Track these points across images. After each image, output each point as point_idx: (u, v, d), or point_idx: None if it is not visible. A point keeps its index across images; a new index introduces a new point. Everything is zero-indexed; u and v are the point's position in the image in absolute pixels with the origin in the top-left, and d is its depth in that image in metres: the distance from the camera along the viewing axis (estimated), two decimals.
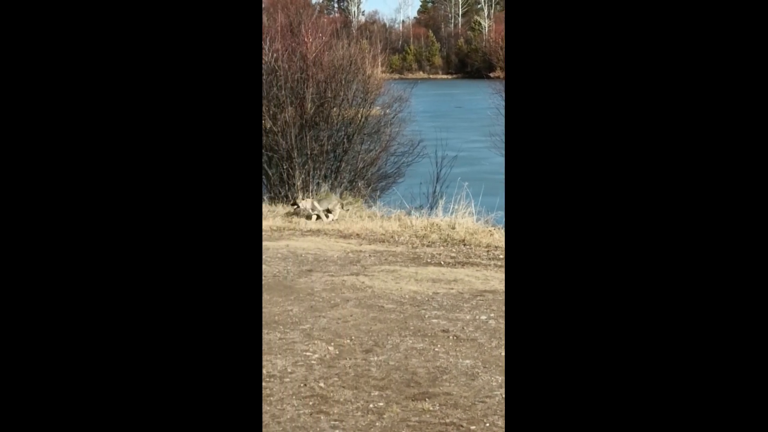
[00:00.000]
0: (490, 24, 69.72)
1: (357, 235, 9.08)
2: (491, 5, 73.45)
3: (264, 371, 4.28)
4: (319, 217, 10.53)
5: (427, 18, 79.68)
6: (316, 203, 10.87)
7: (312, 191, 12.68)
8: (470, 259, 7.60)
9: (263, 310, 5.51)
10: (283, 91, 13.38)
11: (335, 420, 3.67)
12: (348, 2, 77.83)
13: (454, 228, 8.96)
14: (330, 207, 10.87)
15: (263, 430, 3.55)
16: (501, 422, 3.62)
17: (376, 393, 4.00)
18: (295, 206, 11.05)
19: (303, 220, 10.35)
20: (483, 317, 5.41)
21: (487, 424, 3.64)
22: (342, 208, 11.21)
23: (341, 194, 12.46)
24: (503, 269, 6.49)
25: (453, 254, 7.77)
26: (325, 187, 12.73)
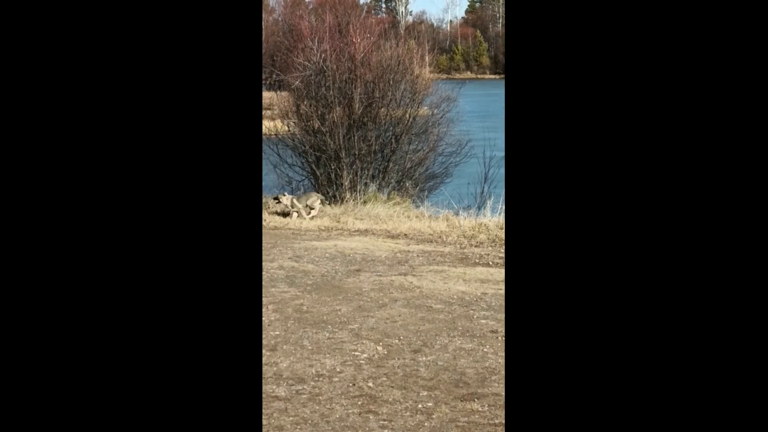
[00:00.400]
0: None
1: (405, 235, 9.08)
2: None
3: (313, 370, 4.30)
4: (299, 214, 10.60)
5: (475, 18, 79.38)
6: (295, 201, 10.86)
7: (359, 191, 12.72)
8: None
9: (312, 309, 5.55)
10: (331, 92, 13.45)
11: (384, 420, 3.68)
12: (396, 2, 77.87)
13: (502, 228, 8.91)
14: (309, 203, 10.87)
15: (314, 429, 3.57)
16: None
17: (425, 393, 3.99)
18: (277, 201, 11.04)
19: (293, 218, 10.45)
20: None
21: None
22: (322, 204, 11.23)
23: (389, 194, 12.48)
24: None
25: (501, 254, 7.72)
26: (372, 187, 12.76)
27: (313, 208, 10.81)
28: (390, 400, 3.91)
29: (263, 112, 18.42)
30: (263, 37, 23.13)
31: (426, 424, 3.63)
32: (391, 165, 13.40)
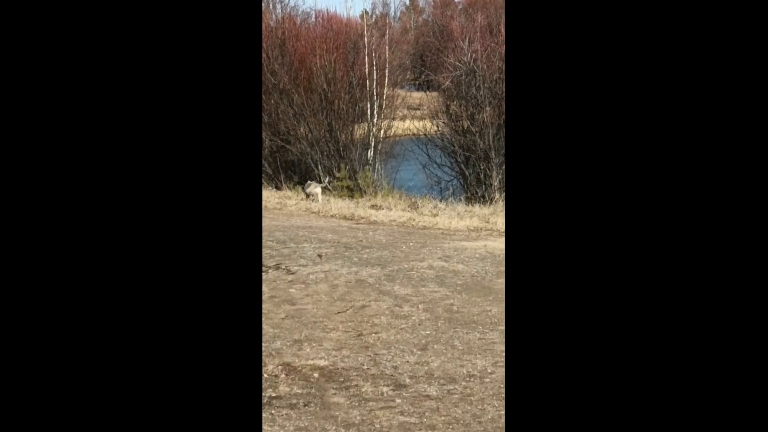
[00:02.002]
0: None
1: None
2: None
3: (464, 371, 4.30)
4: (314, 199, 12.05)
5: None
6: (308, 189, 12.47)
7: None
8: None
9: (462, 309, 5.55)
10: (481, 92, 13.40)
11: None
12: None
13: None
14: (309, 191, 12.28)
15: (466, 429, 3.58)
16: None
17: None
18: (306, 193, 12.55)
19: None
20: None
21: None
22: (322, 193, 12.50)
23: None
24: None
25: None
26: None
27: (311, 195, 12.21)
28: None
29: (412, 112, 18.59)
30: (414, 37, 23.32)
31: None
32: None
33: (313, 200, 11.98)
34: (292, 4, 30.52)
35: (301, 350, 4.56)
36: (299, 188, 13.67)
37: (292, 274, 6.33)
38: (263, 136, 15.53)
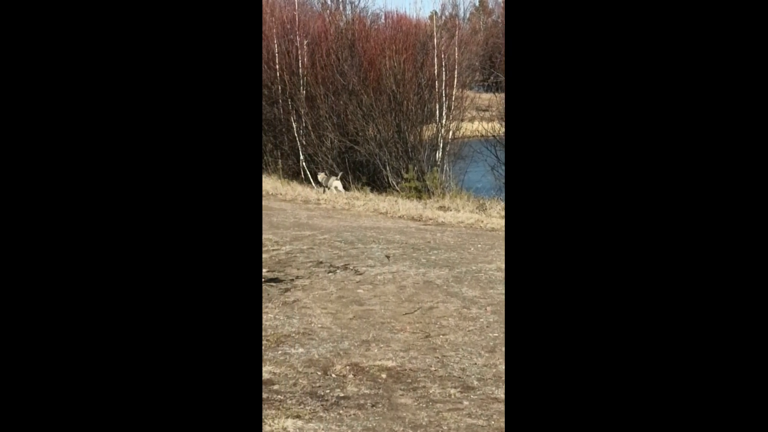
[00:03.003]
0: None
1: None
2: None
3: None
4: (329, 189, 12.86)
5: None
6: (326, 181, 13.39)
7: None
8: None
9: None
10: None
11: None
12: None
13: None
14: (322, 181, 13.24)
15: None
16: None
17: None
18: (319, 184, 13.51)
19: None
20: None
21: None
22: (337, 190, 13.29)
23: None
24: None
25: None
26: None
27: (324, 186, 13.17)
28: None
29: (481, 113, 18.49)
30: (483, 38, 23.19)
31: None
32: None
33: (326, 191, 12.74)
34: (362, 5, 30.68)
35: (368, 351, 4.58)
36: (367, 189, 13.73)
37: (360, 274, 6.36)
38: (332, 137, 15.64)
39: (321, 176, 13.45)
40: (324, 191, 12.77)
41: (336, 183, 13.08)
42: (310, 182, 15.11)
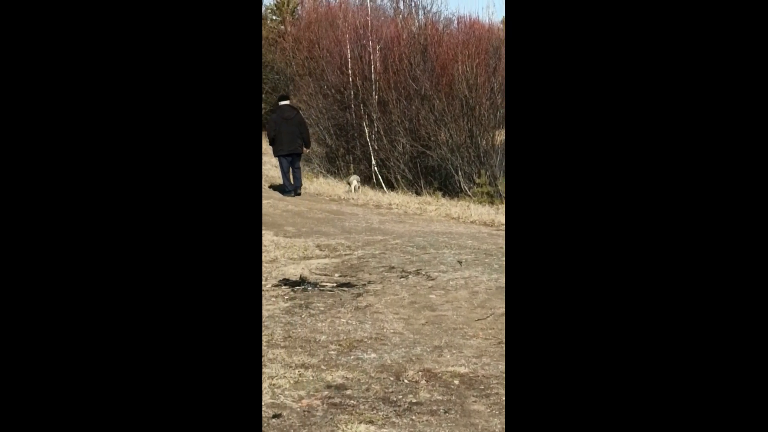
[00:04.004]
0: None
1: None
2: None
3: None
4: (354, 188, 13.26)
5: None
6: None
7: None
8: None
9: None
10: None
11: None
12: None
13: None
14: (349, 181, 13.55)
15: None
16: None
17: None
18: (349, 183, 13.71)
19: None
20: None
21: None
22: (358, 183, 13.65)
23: None
24: None
25: None
26: None
27: (350, 183, 13.49)
28: None
29: None
30: None
31: None
32: None
33: (352, 190, 13.17)
34: (434, 10, 30.69)
35: (441, 356, 4.56)
36: (439, 194, 13.71)
37: (432, 280, 6.35)
38: (404, 142, 15.66)
39: (353, 179, 13.75)
40: (352, 191, 13.20)
41: (353, 180, 13.56)
42: (382, 187, 15.16)
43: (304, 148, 12.35)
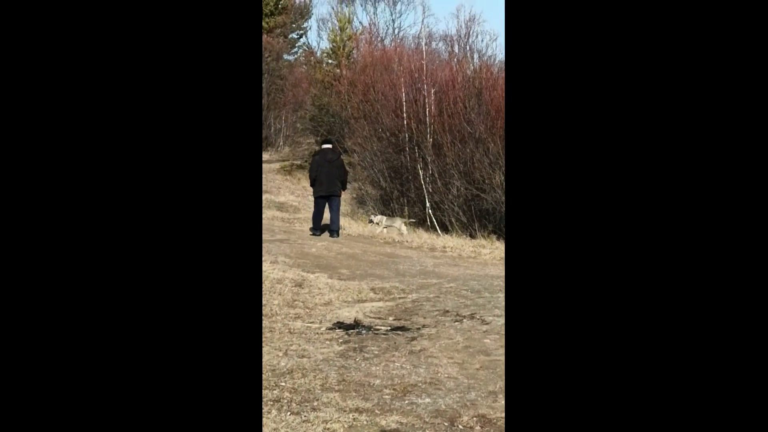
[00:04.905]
0: None
1: None
2: None
3: None
4: (389, 230, 13.42)
5: None
6: (385, 220, 13.83)
7: None
8: None
9: None
10: None
11: None
12: None
13: None
14: (384, 222, 13.65)
15: None
16: None
17: None
18: (371, 222, 14.01)
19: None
20: None
21: None
22: (405, 226, 13.79)
23: None
24: None
25: None
26: None
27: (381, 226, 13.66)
28: None
29: None
30: None
31: None
32: None
33: (385, 230, 13.35)
34: (489, 53, 30.81)
35: (496, 402, 4.51)
36: (493, 237, 13.64)
37: (487, 324, 6.30)
38: (458, 184, 15.68)
39: (377, 218, 13.91)
40: (382, 231, 13.32)
41: (400, 224, 13.75)
42: (436, 230, 15.16)
43: (342, 191, 12.60)
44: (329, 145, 12.78)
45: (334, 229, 12.38)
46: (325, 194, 12.23)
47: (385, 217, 13.94)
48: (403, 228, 13.61)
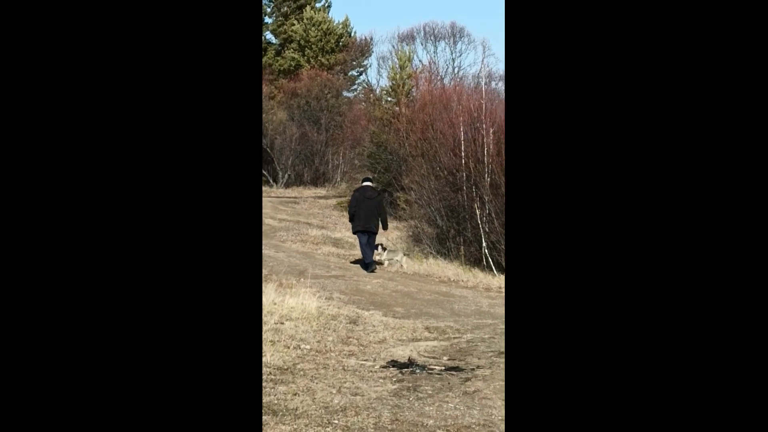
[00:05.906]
0: None
1: None
2: None
3: None
4: (391, 263, 13.32)
5: None
6: (387, 254, 13.61)
7: None
8: None
9: None
10: None
11: None
12: None
13: None
14: (399, 258, 13.48)
15: None
16: None
17: None
18: (384, 248, 13.80)
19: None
20: None
21: None
22: (406, 256, 13.84)
23: None
24: None
25: None
26: None
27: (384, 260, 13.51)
28: None
29: None
30: None
31: None
32: None
33: (389, 263, 13.36)
34: None
35: None
36: None
37: None
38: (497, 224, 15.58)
39: (379, 250, 13.77)
40: (387, 264, 13.33)
41: (401, 257, 13.74)
42: (492, 270, 15.07)
43: (381, 229, 12.67)
44: (369, 183, 13.12)
45: (368, 263, 12.46)
46: (362, 229, 12.46)
47: (386, 250, 13.96)
48: (404, 261, 13.63)
